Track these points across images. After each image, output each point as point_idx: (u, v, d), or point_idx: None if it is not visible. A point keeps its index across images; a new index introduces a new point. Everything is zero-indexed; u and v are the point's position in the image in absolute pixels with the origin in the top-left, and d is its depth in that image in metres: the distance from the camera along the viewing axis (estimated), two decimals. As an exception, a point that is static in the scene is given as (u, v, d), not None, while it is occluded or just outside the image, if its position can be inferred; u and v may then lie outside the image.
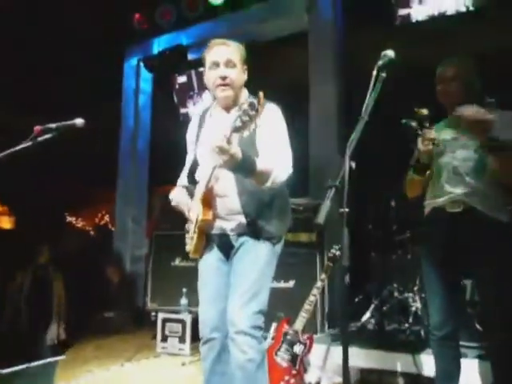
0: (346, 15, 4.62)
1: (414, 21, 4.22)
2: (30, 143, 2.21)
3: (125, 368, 3.50)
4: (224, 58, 1.94)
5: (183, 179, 2.15)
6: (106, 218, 10.44)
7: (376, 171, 3.78)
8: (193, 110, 5.63)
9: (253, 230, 1.92)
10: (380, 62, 1.62)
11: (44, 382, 2.52)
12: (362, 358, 2.93)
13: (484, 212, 1.97)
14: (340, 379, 2.37)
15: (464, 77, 2.09)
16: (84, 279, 4.86)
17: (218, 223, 1.97)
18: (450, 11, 4.08)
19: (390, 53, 1.64)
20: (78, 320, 4.47)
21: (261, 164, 1.78)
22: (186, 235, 2.02)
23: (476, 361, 2.61)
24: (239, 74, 1.98)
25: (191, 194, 2.04)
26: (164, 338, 3.85)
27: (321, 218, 1.27)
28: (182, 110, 5.81)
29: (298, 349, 2.80)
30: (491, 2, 3.97)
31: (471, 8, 3.98)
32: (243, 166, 1.73)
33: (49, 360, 2.62)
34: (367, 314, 3.49)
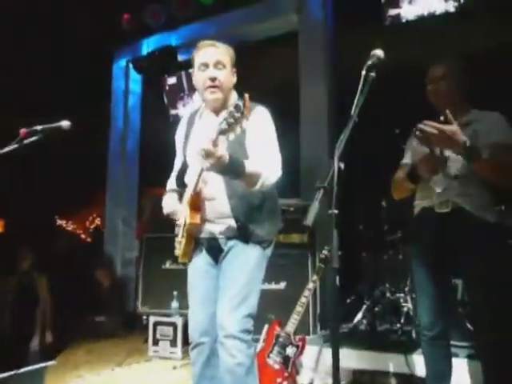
0: (335, 15, 4.62)
1: (403, 21, 4.23)
2: (16, 146, 2.19)
3: (116, 372, 3.47)
4: (213, 60, 1.92)
5: (172, 182, 2.13)
6: (97, 220, 10.36)
7: (367, 171, 3.78)
8: (183, 111, 5.60)
9: (243, 233, 1.91)
10: (369, 62, 1.61)
11: (33, 388, 2.49)
12: (354, 358, 2.92)
13: (472, 212, 1.98)
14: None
15: (453, 76, 2.09)
16: (74, 283, 4.82)
17: (207, 227, 1.95)
18: (440, 11, 4.09)
19: (379, 52, 1.62)
20: (68, 324, 4.43)
21: (250, 166, 1.77)
22: (175, 239, 2.00)
23: (467, 360, 2.61)
24: (228, 76, 1.96)
25: (181, 198, 2.02)
26: (155, 342, 3.81)
27: (309, 219, 1.25)
28: (172, 112, 5.77)
29: (290, 351, 2.78)
30: (479, 2, 3.99)
31: (459, 9, 4.00)
32: (231, 169, 1.71)
33: (37, 366, 2.59)
34: (359, 315, 3.49)
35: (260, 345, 2.86)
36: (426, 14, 4.15)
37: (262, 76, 4.91)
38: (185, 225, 1.89)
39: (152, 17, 5.58)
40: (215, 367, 1.91)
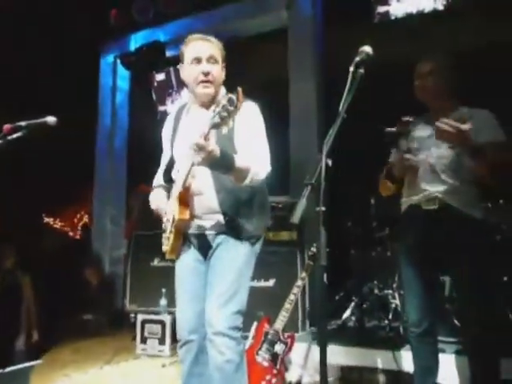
0: (325, 12, 4.62)
1: (392, 18, 4.24)
2: (-1, 142, 2.14)
3: (104, 371, 3.43)
4: (207, 54, 1.90)
5: (159, 178, 2.11)
6: (85, 218, 10.26)
7: (355, 168, 3.79)
8: (171, 107, 5.56)
9: (231, 228, 1.90)
10: (357, 59, 1.60)
11: (18, 388, 2.45)
12: (342, 355, 2.93)
13: (459, 209, 1.99)
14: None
15: (441, 72, 2.10)
16: (62, 281, 4.76)
17: (195, 222, 1.93)
18: (428, 9, 4.11)
19: (368, 49, 1.62)
20: (55, 323, 4.37)
21: (240, 161, 1.76)
22: (163, 235, 1.98)
23: (454, 356, 2.63)
24: (220, 71, 1.96)
25: (169, 194, 2.00)
26: (143, 340, 3.79)
27: (296, 217, 1.24)
28: (161, 108, 5.74)
29: (278, 348, 2.78)
30: (467, 0, 4.01)
31: (448, 6, 4.02)
32: (221, 163, 1.70)
33: (23, 365, 2.55)
34: (348, 312, 3.50)
35: (249, 342, 2.86)
36: (414, 11, 4.18)
37: (251, 72, 4.89)
38: (173, 220, 1.87)
39: (140, 12, 5.52)
40: (204, 365, 1.89)
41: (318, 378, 2.85)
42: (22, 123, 2.15)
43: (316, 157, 1.38)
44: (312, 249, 2.95)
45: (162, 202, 2.00)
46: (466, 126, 1.83)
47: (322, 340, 1.36)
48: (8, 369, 2.44)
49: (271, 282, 3.54)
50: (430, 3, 4.11)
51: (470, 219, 1.98)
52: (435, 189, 2.03)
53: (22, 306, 4.03)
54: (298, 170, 4.19)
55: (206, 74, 1.89)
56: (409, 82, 2.18)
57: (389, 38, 4.11)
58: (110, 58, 6.03)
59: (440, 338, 2.33)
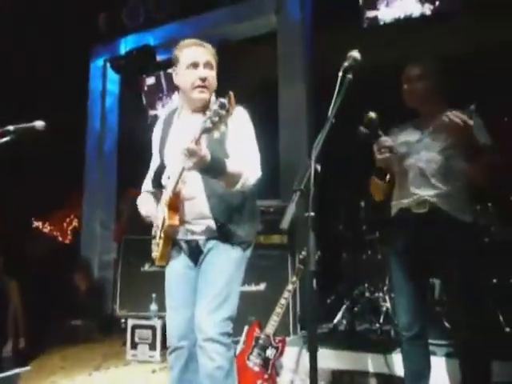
0: (314, 16, 4.64)
1: (381, 23, 4.27)
2: (-14, 146, 2.12)
3: (93, 377, 3.39)
4: (203, 59, 1.91)
5: (148, 183, 2.10)
6: (75, 222, 10.16)
7: (345, 172, 3.80)
8: (162, 112, 5.54)
9: (222, 234, 1.89)
10: (346, 64, 1.61)
11: (4, 397, 2.42)
12: (333, 359, 2.92)
13: (449, 213, 2.00)
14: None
15: (430, 76, 2.11)
16: (51, 286, 4.71)
17: (186, 228, 1.92)
18: (416, 14, 4.15)
19: (356, 54, 1.63)
20: (43, 329, 4.32)
21: (231, 166, 1.75)
22: (153, 241, 1.97)
23: (445, 358, 2.63)
24: (215, 77, 1.96)
25: (158, 200, 1.98)
26: (134, 345, 3.75)
27: (285, 222, 1.24)
28: (151, 112, 5.71)
29: (269, 352, 2.78)
30: (456, 6, 4.05)
31: (435, 12, 4.06)
32: (212, 168, 1.70)
33: (10, 372, 2.52)
34: (339, 315, 3.50)
35: (240, 347, 2.85)
36: (402, 16, 4.20)
37: (241, 75, 4.89)
38: (163, 226, 1.85)
39: (130, 16, 5.50)
40: (193, 372, 1.88)
41: (309, 382, 2.87)
42: (10, 128, 2.14)
43: (305, 162, 1.38)
44: (303, 253, 2.95)
45: (151, 207, 1.98)
46: (471, 122, 1.83)
47: (312, 346, 1.36)
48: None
49: (262, 286, 3.53)
50: (417, 8, 4.14)
51: (459, 223, 1.99)
52: (425, 193, 2.04)
53: (9, 311, 3.97)
54: (288, 174, 4.19)
55: (204, 79, 1.89)
56: (397, 86, 2.19)
57: (377, 43, 4.14)
58: (100, 62, 6.00)
59: (430, 340, 2.32)
